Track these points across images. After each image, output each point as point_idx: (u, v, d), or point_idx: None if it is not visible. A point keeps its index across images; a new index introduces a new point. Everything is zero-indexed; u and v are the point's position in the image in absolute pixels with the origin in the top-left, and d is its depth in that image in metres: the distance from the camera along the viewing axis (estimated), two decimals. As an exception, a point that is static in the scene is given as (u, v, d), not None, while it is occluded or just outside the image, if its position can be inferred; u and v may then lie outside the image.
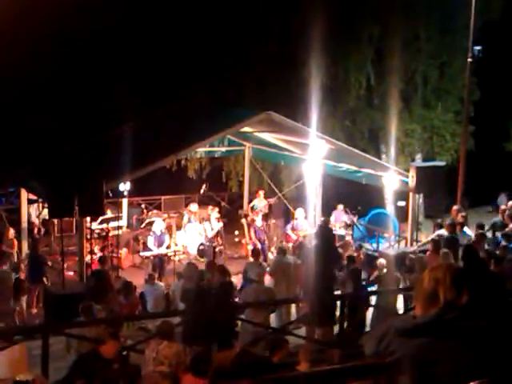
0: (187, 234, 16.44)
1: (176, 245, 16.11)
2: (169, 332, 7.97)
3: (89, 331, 8.70)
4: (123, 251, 15.71)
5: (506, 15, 21.47)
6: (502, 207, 16.26)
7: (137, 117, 16.83)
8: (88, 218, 12.89)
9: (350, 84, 20.88)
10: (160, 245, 15.10)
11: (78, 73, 20.29)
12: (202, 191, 18.22)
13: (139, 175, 13.41)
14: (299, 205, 16.83)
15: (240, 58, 20.33)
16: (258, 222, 16.48)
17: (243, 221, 17.27)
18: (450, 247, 11.97)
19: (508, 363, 2.62)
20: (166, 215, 17.28)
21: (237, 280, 12.73)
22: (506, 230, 14.05)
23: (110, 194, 13.17)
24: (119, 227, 15.25)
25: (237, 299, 11.36)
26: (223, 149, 19.02)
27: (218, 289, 10.64)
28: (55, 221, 15.47)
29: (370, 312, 11.29)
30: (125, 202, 17.06)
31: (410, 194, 14.92)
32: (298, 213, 16.36)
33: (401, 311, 11.20)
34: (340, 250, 14.21)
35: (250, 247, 15.60)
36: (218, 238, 16.50)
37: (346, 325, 10.67)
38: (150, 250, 15.06)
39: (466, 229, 14.22)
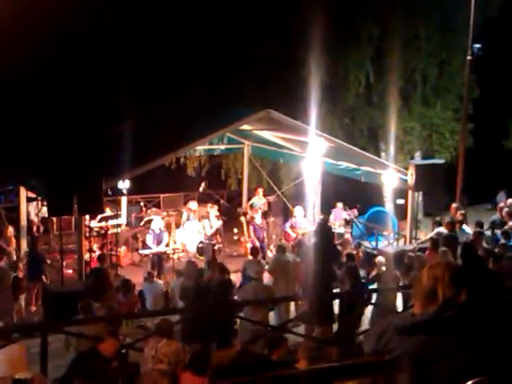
0: (186, 231, 16.44)
1: (175, 243, 16.11)
2: (168, 330, 7.98)
3: (88, 329, 8.70)
4: (122, 249, 15.72)
5: (506, 13, 21.47)
6: (500, 205, 16.28)
7: (136, 115, 16.84)
8: (87, 216, 12.91)
9: (349, 82, 20.88)
10: (159, 243, 15.09)
11: (77, 72, 20.29)
12: (201, 189, 18.21)
13: (138, 173, 13.42)
14: (298, 203, 16.83)
15: (240, 57, 20.33)
16: (258, 219, 16.48)
17: (242, 219, 17.28)
18: (449, 245, 11.98)
19: (507, 361, 2.62)
20: (165, 213, 17.29)
21: (236, 278, 12.72)
22: (505, 227, 14.07)
23: (109, 192, 13.13)
24: (118, 225, 15.24)
25: (236, 297, 11.36)
26: (222, 147, 19.03)
27: (217, 287, 10.65)
28: (54, 219, 15.46)
29: (368, 310, 11.29)
30: (124, 200, 17.05)
31: (409, 192, 14.92)
32: (297, 211, 16.35)
33: (400, 309, 11.21)
34: (339, 248, 14.21)
35: (249, 245, 15.60)
36: (217, 236, 16.50)
37: (342, 322, 10.68)
38: (149, 248, 15.06)
39: (464, 227, 14.23)
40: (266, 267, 12.74)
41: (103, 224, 15.39)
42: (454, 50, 20.97)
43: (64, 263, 12.79)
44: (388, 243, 16.30)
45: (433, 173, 14.27)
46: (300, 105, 17.61)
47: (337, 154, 15.95)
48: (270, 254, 15.83)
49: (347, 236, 16.67)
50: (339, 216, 17.31)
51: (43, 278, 12.96)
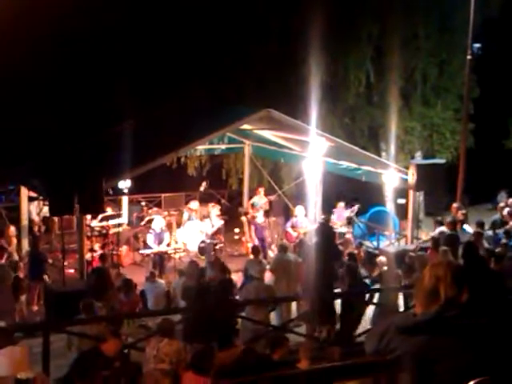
0: (187, 231, 16.44)
1: (176, 242, 16.11)
2: (169, 330, 7.99)
3: (90, 329, 8.71)
4: (123, 249, 15.71)
5: (505, 12, 21.47)
6: (501, 204, 16.28)
7: (136, 115, 16.85)
8: (88, 216, 12.91)
9: (349, 82, 20.87)
10: (160, 242, 15.09)
11: (77, 72, 20.29)
12: (201, 189, 18.21)
13: (139, 173, 13.42)
14: (299, 202, 16.83)
15: (240, 57, 20.32)
16: (260, 218, 16.48)
17: (243, 218, 17.29)
18: (450, 245, 11.98)
19: (508, 361, 2.63)
20: (166, 213, 17.29)
21: (237, 278, 12.73)
22: (507, 227, 14.07)
23: (111, 192, 13.16)
24: (119, 225, 15.24)
25: (237, 297, 11.37)
26: (223, 146, 19.03)
27: (218, 286, 10.66)
28: (56, 218, 15.46)
29: (370, 310, 11.30)
30: (125, 199, 17.06)
31: (410, 192, 14.92)
32: (298, 210, 16.36)
33: (401, 309, 11.21)
34: (340, 248, 14.22)
35: (250, 245, 15.61)
36: (219, 236, 16.48)
37: (343, 322, 10.70)
38: (150, 247, 15.06)
39: (465, 226, 14.24)
40: (267, 267, 12.76)
41: (104, 223, 15.39)
42: (454, 50, 20.96)
43: (65, 263, 12.78)
44: (389, 243, 16.30)
45: (434, 172, 14.26)
46: (300, 104, 17.62)
47: (337, 154, 15.95)
48: (272, 253, 15.84)
49: (348, 236, 16.66)
50: (341, 215, 17.31)
51: (45, 277, 12.96)
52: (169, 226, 16.34)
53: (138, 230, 16.81)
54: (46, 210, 14.68)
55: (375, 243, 16.39)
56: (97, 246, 14.88)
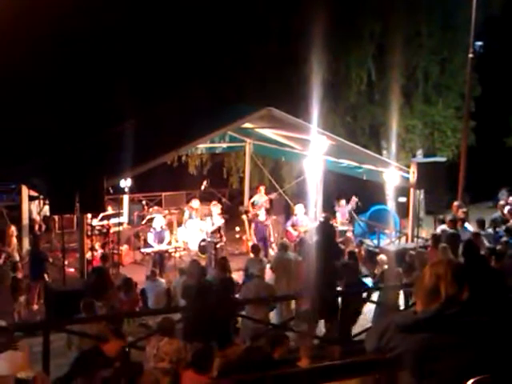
0: (188, 230, 16.44)
1: (177, 241, 16.11)
2: (169, 328, 7.98)
3: (90, 328, 8.70)
4: (124, 248, 15.72)
5: (507, 11, 21.45)
6: (501, 202, 16.28)
7: (137, 115, 16.84)
8: (89, 215, 12.89)
9: (351, 80, 20.86)
10: (160, 241, 15.08)
11: (78, 72, 20.31)
12: (202, 187, 18.22)
13: (140, 171, 13.41)
14: (300, 201, 16.83)
15: (240, 57, 20.31)
16: (262, 216, 16.48)
17: (244, 217, 17.28)
18: (450, 243, 11.97)
19: (509, 359, 2.62)
20: (166, 211, 17.29)
21: (238, 276, 12.72)
22: (508, 225, 14.06)
23: (111, 191, 13.15)
24: (120, 224, 15.25)
25: (238, 295, 11.35)
26: (224, 145, 19.04)
27: (219, 285, 10.64)
28: (56, 217, 15.48)
29: (369, 308, 11.28)
30: (126, 198, 17.05)
31: (411, 190, 14.91)
32: (298, 209, 16.36)
33: (402, 307, 11.20)
34: (341, 246, 14.20)
35: (251, 243, 15.60)
36: (221, 233, 16.44)
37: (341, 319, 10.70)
38: (151, 246, 15.05)
39: (466, 225, 14.22)
40: (268, 265, 12.75)
41: (105, 222, 15.39)
42: (456, 48, 20.96)
43: (66, 262, 12.78)
44: (390, 241, 16.29)
45: (435, 171, 14.24)
46: (301, 103, 17.60)
47: (338, 152, 15.94)
48: (272, 252, 15.84)
49: (349, 234, 16.65)
50: (344, 212, 17.29)
51: (45, 276, 12.96)
52: (169, 225, 16.35)
53: (138, 228, 16.81)
54: (46, 209, 14.68)
55: (376, 241, 16.40)
56: (97, 245, 14.87)
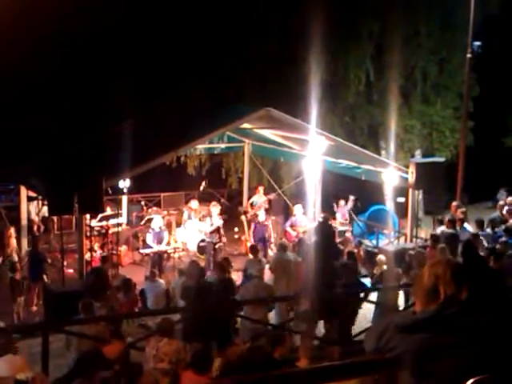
0: (187, 230, 16.44)
1: (176, 242, 16.10)
2: (169, 329, 7.97)
3: (89, 329, 8.69)
4: (123, 248, 15.70)
5: (506, 11, 21.47)
6: (501, 203, 16.29)
7: (136, 115, 16.83)
8: (88, 216, 12.89)
9: (349, 80, 20.86)
10: (159, 242, 15.07)
11: (77, 72, 20.29)
12: (201, 188, 18.22)
13: (139, 172, 13.41)
14: (299, 201, 16.83)
15: (240, 57, 20.31)
16: (261, 216, 16.47)
17: (243, 217, 17.27)
18: (449, 243, 11.98)
19: (508, 359, 2.62)
20: (165, 212, 17.28)
21: (237, 277, 12.72)
22: (507, 224, 14.07)
23: (110, 191, 13.14)
24: (119, 224, 15.22)
25: (236, 295, 11.34)
26: (223, 145, 19.03)
27: (218, 286, 10.64)
28: (55, 218, 15.46)
29: (369, 309, 11.28)
30: (124, 199, 17.05)
31: (410, 190, 14.92)
32: (297, 209, 16.36)
33: (401, 307, 11.21)
34: (340, 246, 14.21)
35: (250, 244, 15.59)
36: (221, 234, 16.42)
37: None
38: (150, 247, 15.05)
39: (466, 225, 14.23)
40: (267, 266, 12.75)
41: (104, 223, 15.39)
42: (454, 48, 20.95)
43: (65, 263, 12.77)
44: (389, 241, 16.30)
45: (433, 171, 14.25)
46: (300, 103, 17.60)
47: (337, 153, 15.94)
48: (271, 252, 15.83)
49: (348, 234, 16.66)
50: (344, 213, 17.31)
51: (44, 277, 12.95)
52: (168, 226, 16.34)
53: (137, 229, 16.81)
54: (45, 209, 14.67)
55: (374, 242, 16.40)
56: (96, 246, 14.86)
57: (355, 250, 13.94)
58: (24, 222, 15.33)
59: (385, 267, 12.10)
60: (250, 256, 12.61)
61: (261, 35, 20.27)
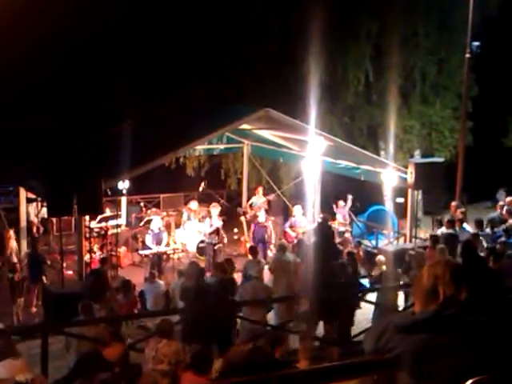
0: (186, 231, 16.43)
1: (175, 243, 16.10)
2: (168, 330, 7.96)
3: (88, 330, 8.68)
4: (122, 250, 15.70)
5: (504, 11, 21.48)
6: (500, 203, 16.28)
7: (136, 115, 16.83)
8: (87, 217, 12.89)
9: (348, 81, 20.87)
10: (158, 243, 15.06)
11: (77, 72, 20.28)
12: (200, 189, 18.21)
13: (138, 173, 13.41)
14: (298, 202, 16.82)
15: (240, 57, 20.31)
16: (261, 217, 16.46)
17: (242, 218, 17.27)
18: (448, 243, 11.98)
19: (507, 360, 2.62)
20: (164, 213, 17.28)
21: (236, 278, 12.70)
22: (506, 224, 14.06)
23: (109, 193, 13.14)
24: (118, 226, 15.22)
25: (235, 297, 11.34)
26: (222, 146, 19.02)
27: (218, 287, 10.63)
28: (54, 219, 15.45)
29: (369, 309, 11.28)
30: (124, 200, 17.05)
31: (409, 191, 14.91)
32: (296, 210, 16.35)
33: (401, 308, 11.20)
34: (339, 247, 14.21)
35: (249, 245, 15.58)
36: (221, 235, 16.41)
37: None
38: (149, 248, 15.04)
39: (465, 225, 14.23)
40: (266, 266, 12.74)
41: (103, 224, 15.37)
42: (453, 48, 20.97)
43: (64, 264, 12.78)
44: (388, 242, 16.30)
45: (432, 171, 14.24)
46: (299, 104, 17.60)
47: (336, 153, 15.94)
48: (271, 253, 15.82)
49: (347, 235, 16.66)
50: (344, 214, 17.30)
51: (43, 278, 12.95)
52: (167, 227, 16.34)
53: (136, 230, 16.81)
54: (44, 211, 14.66)
55: (374, 242, 16.40)
56: (95, 247, 14.85)
57: (355, 251, 13.92)
58: (23, 223, 15.32)
59: (384, 268, 12.10)
60: (250, 257, 12.60)
61: (260, 35, 20.29)
